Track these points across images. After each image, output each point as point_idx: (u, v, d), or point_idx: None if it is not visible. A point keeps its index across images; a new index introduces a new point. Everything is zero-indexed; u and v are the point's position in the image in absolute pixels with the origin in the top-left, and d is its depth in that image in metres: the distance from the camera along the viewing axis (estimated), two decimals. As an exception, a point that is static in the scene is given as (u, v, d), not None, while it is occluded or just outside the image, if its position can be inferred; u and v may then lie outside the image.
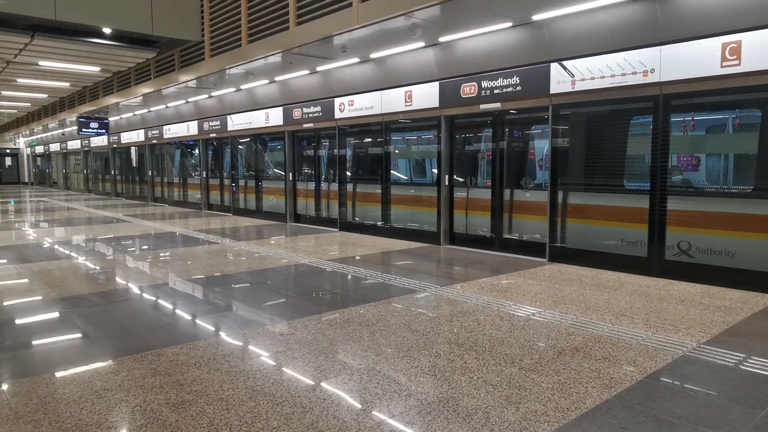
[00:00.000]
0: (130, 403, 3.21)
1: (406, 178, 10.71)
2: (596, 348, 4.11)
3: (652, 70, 6.39)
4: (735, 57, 5.73)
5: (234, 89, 13.31)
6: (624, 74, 6.63)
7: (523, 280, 6.50)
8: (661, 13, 6.21)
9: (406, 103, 9.53)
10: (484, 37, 7.88)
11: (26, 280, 6.67)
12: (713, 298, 5.54)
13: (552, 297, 5.66)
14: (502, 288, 6.12)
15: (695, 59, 6.03)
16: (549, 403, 3.18)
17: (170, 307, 5.55)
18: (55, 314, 5.20)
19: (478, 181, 9.03)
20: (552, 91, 7.38)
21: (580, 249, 7.38)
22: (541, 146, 8.19)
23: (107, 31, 7.27)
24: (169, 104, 16.55)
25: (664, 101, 6.40)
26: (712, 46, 5.88)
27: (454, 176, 9.20)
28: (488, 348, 4.12)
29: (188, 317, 5.16)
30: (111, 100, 15.94)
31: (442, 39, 8.14)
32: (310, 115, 11.82)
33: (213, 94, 14.09)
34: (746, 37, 5.65)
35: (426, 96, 9.17)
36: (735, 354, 4.00)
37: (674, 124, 6.45)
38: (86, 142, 26.43)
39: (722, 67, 5.83)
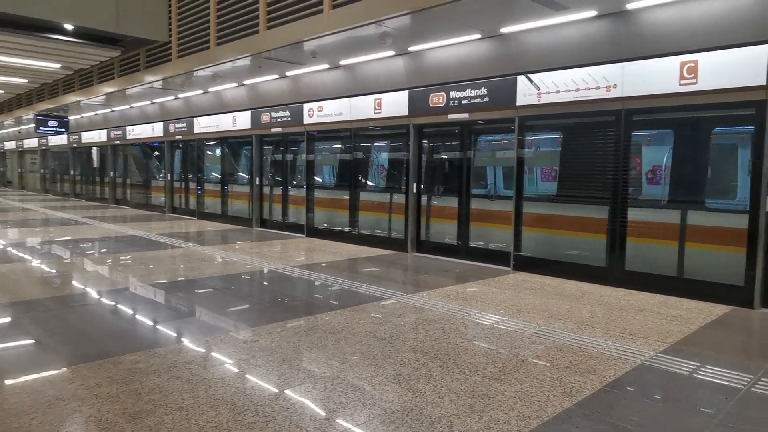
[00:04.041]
0: (84, 414, 3.09)
1: (374, 184, 10.72)
2: (558, 356, 4.18)
3: (615, 86, 6.58)
4: (692, 75, 5.96)
5: (201, 91, 13.09)
6: (588, 88, 6.81)
7: (488, 289, 6.57)
8: (624, 31, 6.41)
9: (376, 111, 9.55)
10: (454, 47, 7.98)
11: (-24, 284, 6.38)
12: (670, 308, 5.71)
13: (516, 306, 5.74)
14: (467, 296, 6.17)
15: (655, 76, 6.24)
16: (511, 412, 3.21)
17: (130, 312, 5.39)
18: (7, 319, 4.98)
19: (446, 189, 9.11)
20: (519, 103, 7.51)
21: (543, 258, 7.51)
22: (508, 157, 8.32)
23: (69, 27, 7.04)
24: (134, 104, 16.16)
25: (625, 116, 6.59)
26: (672, 64, 6.10)
27: (422, 184, 9.25)
28: (452, 356, 4.14)
29: (149, 323, 5.02)
30: (71, 98, 15.47)
31: (412, 48, 8.20)
32: (279, 120, 11.72)
33: (179, 95, 13.83)
34: (702, 57, 5.88)
35: (395, 104, 9.21)
36: (690, 363, 4.13)
37: (635, 137, 6.65)
38: (44, 140, 25.54)
39: (681, 84, 6.05)
